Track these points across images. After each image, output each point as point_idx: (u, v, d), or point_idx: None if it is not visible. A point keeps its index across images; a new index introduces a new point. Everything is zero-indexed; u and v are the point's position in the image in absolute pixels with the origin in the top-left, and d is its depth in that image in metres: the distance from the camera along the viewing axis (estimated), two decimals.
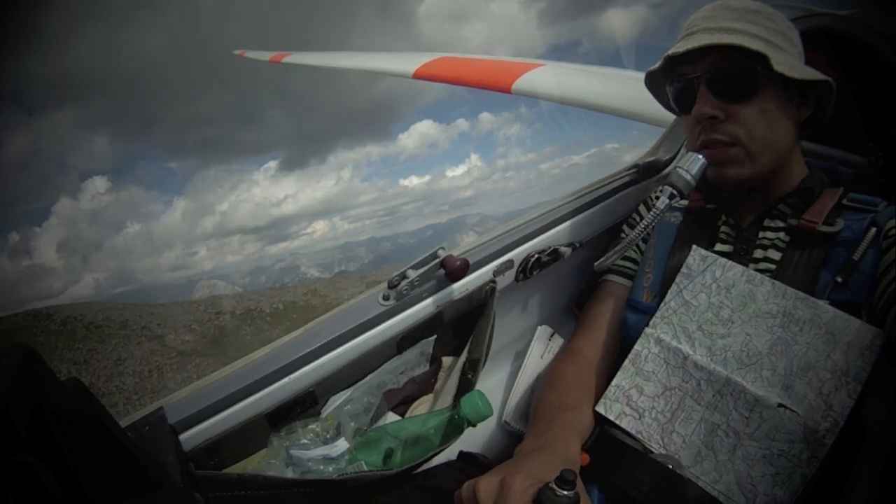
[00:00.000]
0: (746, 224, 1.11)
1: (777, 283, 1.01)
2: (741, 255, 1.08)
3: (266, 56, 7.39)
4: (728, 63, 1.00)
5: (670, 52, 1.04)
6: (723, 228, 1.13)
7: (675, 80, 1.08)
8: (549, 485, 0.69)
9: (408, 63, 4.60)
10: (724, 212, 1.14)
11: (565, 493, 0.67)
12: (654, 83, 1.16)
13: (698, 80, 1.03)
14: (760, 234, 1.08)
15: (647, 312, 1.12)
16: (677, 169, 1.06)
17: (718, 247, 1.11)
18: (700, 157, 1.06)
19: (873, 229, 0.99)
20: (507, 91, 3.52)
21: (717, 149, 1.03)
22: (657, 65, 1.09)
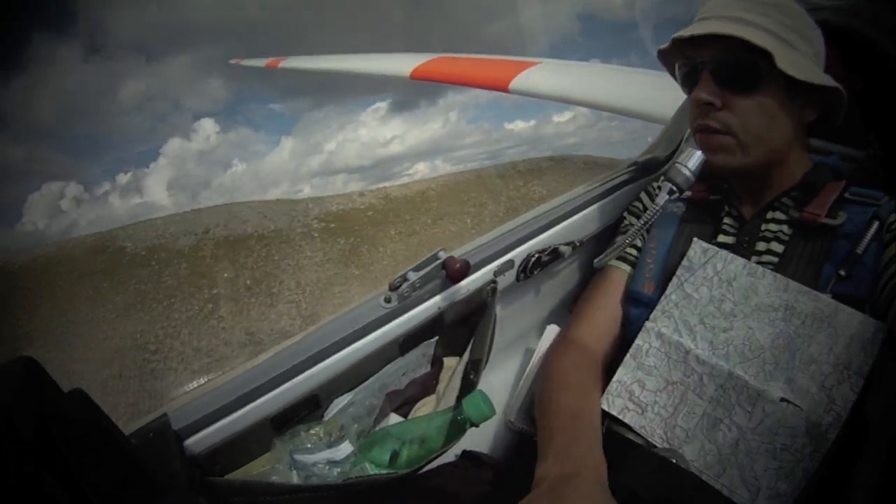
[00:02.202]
0: (749, 216, 1.10)
1: (779, 275, 1.00)
2: (744, 247, 1.08)
3: (262, 62, 7.43)
4: (731, 54, 0.99)
5: (676, 35, 1.04)
6: (725, 220, 1.12)
7: (683, 62, 1.08)
8: None
9: (405, 63, 4.61)
10: (726, 203, 1.13)
11: None
12: (668, 62, 1.16)
13: (702, 66, 1.02)
14: (763, 227, 1.08)
15: (649, 304, 1.11)
16: (676, 165, 1.06)
17: (721, 238, 1.11)
18: (699, 152, 1.06)
19: (876, 223, 0.99)
20: (506, 90, 3.52)
21: (708, 135, 1.03)
22: (665, 45, 1.09)
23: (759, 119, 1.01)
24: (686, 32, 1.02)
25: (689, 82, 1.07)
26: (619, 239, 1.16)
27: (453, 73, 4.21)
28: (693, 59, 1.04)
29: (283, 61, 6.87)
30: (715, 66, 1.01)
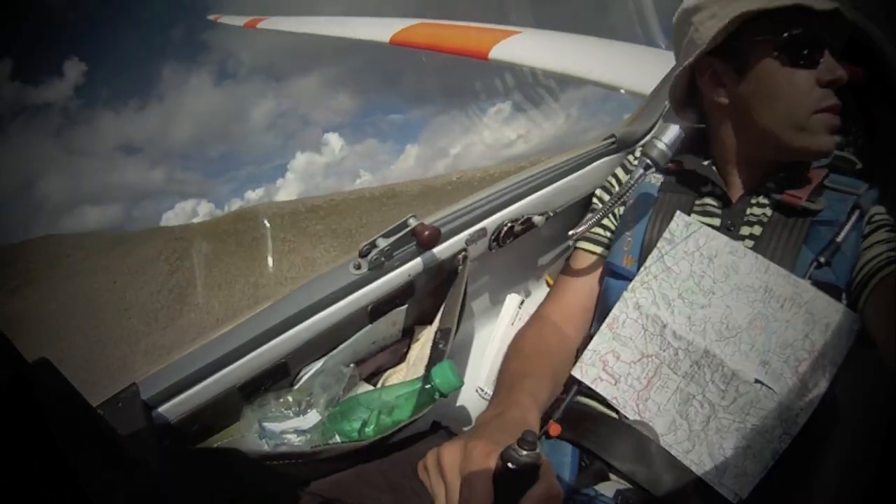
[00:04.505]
0: (735, 199, 1.09)
1: (760, 257, 1.00)
2: (729, 230, 1.06)
3: (241, 21, 7.27)
4: (845, 31, 0.99)
5: (813, 6, 0.94)
6: (708, 200, 1.11)
7: (801, 31, 0.97)
8: (512, 446, 0.67)
9: (385, 28, 4.54)
10: (710, 181, 1.11)
11: (526, 451, 0.66)
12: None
13: (826, 41, 0.97)
14: (748, 210, 1.07)
15: (627, 277, 1.10)
16: (652, 139, 1.05)
17: (707, 220, 1.09)
18: (676, 126, 1.05)
19: (857, 212, 1.00)
20: (485, 58, 3.49)
21: (836, 115, 0.99)
22: (786, 2, 0.95)
23: None
24: (826, 5, 0.95)
25: (805, 55, 0.98)
26: (592, 214, 1.16)
27: (433, 40, 4.15)
28: (816, 30, 0.97)
29: (262, 21, 6.74)
30: (838, 43, 0.98)
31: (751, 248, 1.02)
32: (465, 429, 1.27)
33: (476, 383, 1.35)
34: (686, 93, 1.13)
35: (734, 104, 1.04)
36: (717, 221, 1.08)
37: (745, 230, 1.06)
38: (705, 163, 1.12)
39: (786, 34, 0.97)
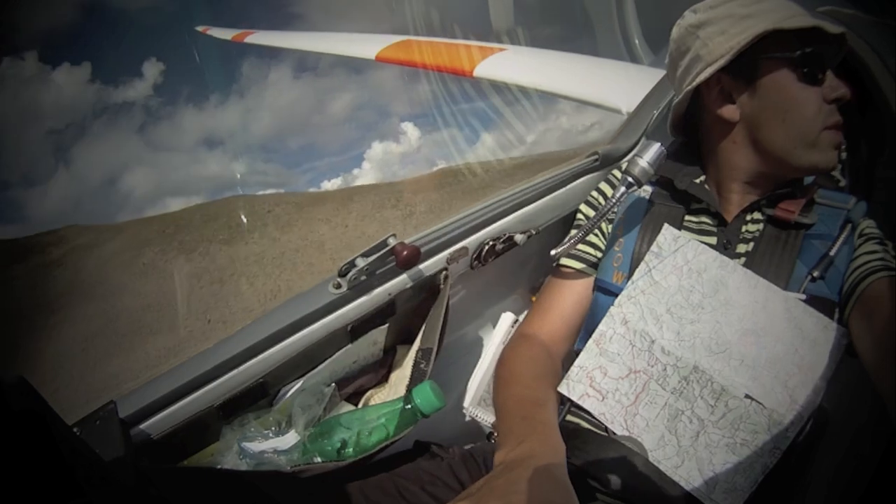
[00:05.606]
0: (730, 217, 1.08)
1: (749, 272, 1.00)
2: (725, 249, 1.06)
3: (229, 35, 7.28)
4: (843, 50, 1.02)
5: (826, 28, 0.98)
6: (704, 218, 1.11)
7: (811, 48, 0.99)
8: None
9: (370, 45, 4.56)
10: (704, 199, 1.10)
11: None
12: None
13: (830, 62, 1.00)
14: (743, 228, 1.07)
15: (617, 294, 1.08)
16: (634, 157, 1.05)
17: (704, 238, 1.08)
18: (657, 144, 1.05)
19: (849, 226, 1.01)
20: (470, 76, 3.51)
21: (840, 132, 1.01)
22: (803, 23, 0.98)
23: None
24: (830, 28, 0.98)
25: (813, 73, 1.00)
26: (575, 231, 1.15)
27: (418, 57, 4.18)
28: (826, 50, 1.00)
29: (249, 35, 6.75)
30: (836, 62, 1.01)
31: (745, 263, 1.03)
32: (452, 445, 1.26)
33: (461, 402, 1.34)
34: (685, 109, 1.13)
35: (744, 120, 1.05)
36: (713, 240, 1.08)
37: (741, 248, 1.06)
38: (698, 180, 1.12)
39: (800, 52, 0.99)
